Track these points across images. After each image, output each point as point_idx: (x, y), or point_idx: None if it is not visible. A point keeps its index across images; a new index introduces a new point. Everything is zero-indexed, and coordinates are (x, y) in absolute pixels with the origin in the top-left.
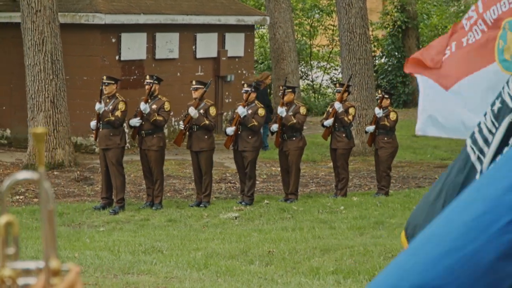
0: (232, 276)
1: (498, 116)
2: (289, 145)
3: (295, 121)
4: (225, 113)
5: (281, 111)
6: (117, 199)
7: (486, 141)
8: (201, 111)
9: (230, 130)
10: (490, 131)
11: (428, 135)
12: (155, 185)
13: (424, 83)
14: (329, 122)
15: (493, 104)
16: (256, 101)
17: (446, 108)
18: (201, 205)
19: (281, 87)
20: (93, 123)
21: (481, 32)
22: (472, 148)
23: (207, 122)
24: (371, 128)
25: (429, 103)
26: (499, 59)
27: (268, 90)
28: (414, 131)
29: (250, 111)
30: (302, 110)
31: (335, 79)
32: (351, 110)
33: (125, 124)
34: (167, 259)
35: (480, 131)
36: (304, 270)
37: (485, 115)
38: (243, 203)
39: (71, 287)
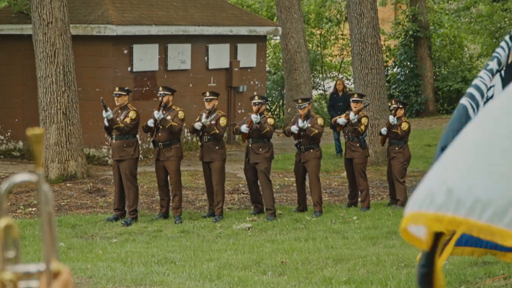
0: (245, 287)
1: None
2: (307, 156)
3: (317, 131)
4: (237, 124)
5: (303, 124)
6: (129, 210)
7: (482, 95)
8: (212, 121)
9: (245, 128)
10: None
11: None
12: (174, 197)
13: None
14: (342, 120)
15: (486, 66)
16: (265, 112)
17: None
18: (213, 219)
19: (299, 100)
20: (106, 121)
21: None
22: (471, 104)
23: (217, 131)
24: (383, 130)
25: None
26: None
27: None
28: (427, 140)
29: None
30: (320, 121)
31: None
32: (364, 120)
33: (137, 136)
34: (180, 270)
35: (478, 88)
36: (317, 280)
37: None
38: (266, 219)
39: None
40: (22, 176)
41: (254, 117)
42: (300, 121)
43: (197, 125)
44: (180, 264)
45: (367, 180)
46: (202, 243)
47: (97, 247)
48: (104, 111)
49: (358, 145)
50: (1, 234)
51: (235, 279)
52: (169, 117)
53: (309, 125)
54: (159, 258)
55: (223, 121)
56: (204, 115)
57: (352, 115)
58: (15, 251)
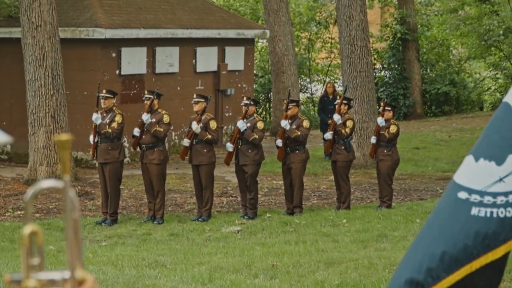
0: None
1: None
2: (292, 158)
3: (299, 133)
4: (225, 127)
5: (285, 124)
6: (110, 213)
7: None
8: (201, 124)
9: (229, 146)
10: None
11: None
12: (156, 199)
13: None
14: (328, 135)
15: None
16: (255, 115)
17: None
18: (199, 219)
19: (285, 101)
20: (91, 138)
21: None
22: None
23: (209, 136)
24: (373, 139)
25: None
26: None
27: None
28: (415, 143)
29: (249, 125)
30: (306, 123)
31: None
32: (349, 123)
33: (125, 138)
34: (171, 273)
35: None
36: (308, 284)
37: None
38: (246, 216)
39: None
40: (48, 182)
41: (241, 124)
42: (282, 120)
43: (196, 128)
44: (171, 268)
45: (349, 184)
46: (192, 246)
47: (86, 250)
48: (94, 113)
49: (342, 147)
50: (26, 241)
51: (227, 283)
52: (154, 120)
53: (294, 126)
54: (150, 261)
55: (213, 124)
56: (194, 123)
57: (336, 117)
58: (39, 258)
